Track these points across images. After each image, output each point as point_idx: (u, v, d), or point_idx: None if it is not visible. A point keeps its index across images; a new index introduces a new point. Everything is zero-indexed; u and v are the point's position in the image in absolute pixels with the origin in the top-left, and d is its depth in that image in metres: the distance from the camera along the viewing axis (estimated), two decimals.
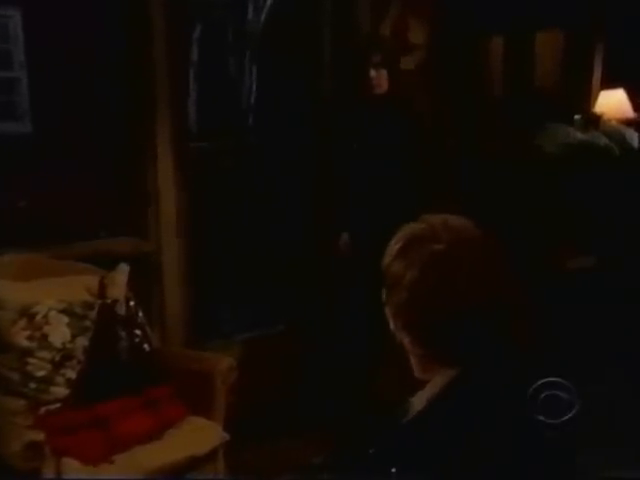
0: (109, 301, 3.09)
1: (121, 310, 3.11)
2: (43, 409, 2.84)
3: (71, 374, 2.93)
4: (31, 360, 2.84)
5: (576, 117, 5.45)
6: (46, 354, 2.88)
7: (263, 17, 4.56)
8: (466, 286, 1.38)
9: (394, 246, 1.45)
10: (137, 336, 3.13)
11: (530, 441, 1.36)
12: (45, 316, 2.92)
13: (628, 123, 5.64)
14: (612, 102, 5.68)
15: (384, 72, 4.01)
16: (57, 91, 3.41)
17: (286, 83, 4.48)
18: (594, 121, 5.54)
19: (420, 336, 1.44)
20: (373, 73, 4.01)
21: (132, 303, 3.16)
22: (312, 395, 3.93)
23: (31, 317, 2.90)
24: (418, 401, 1.49)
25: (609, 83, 5.70)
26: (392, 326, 1.48)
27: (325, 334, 4.18)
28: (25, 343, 2.85)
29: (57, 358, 2.89)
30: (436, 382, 1.45)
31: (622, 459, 3.16)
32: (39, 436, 2.65)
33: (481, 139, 5.01)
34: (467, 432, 1.34)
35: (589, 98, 5.79)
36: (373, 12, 4.32)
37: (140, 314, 3.19)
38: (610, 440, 3.37)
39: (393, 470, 1.42)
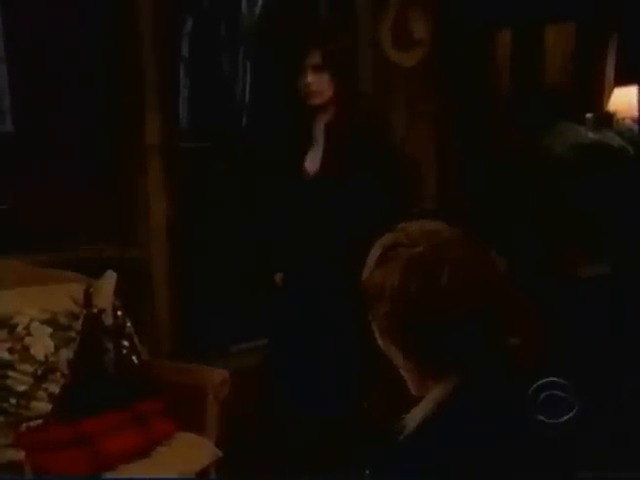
0: (95, 311, 3.06)
1: (108, 320, 3.08)
2: (24, 426, 2.80)
3: (54, 388, 2.89)
4: (11, 374, 2.81)
5: (588, 116, 5.44)
6: (27, 367, 2.84)
7: (258, 11, 4.54)
8: (449, 289, 1.40)
9: (372, 257, 1.48)
10: (125, 347, 3.11)
11: (529, 445, 1.38)
12: (27, 327, 2.89)
13: None
14: (626, 100, 5.68)
15: (325, 77, 3.35)
16: (40, 88, 3.39)
17: (282, 81, 4.45)
18: (607, 120, 5.53)
19: (409, 348, 1.46)
20: (311, 78, 3.34)
21: (119, 313, 3.14)
22: (306, 411, 3.88)
23: (12, 328, 2.87)
24: (413, 418, 1.48)
25: (623, 80, 5.70)
26: (381, 343, 1.50)
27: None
28: (5, 356, 2.82)
29: (39, 371, 2.86)
30: (430, 398, 1.46)
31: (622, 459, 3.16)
32: (19, 455, 2.62)
33: (488, 139, 5.00)
34: (464, 447, 1.34)
35: (602, 96, 5.78)
36: (373, 4, 4.30)
37: (128, 324, 3.17)
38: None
39: (367, 472, 1.47)
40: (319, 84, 3.33)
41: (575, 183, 4.91)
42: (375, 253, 1.48)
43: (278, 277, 3.67)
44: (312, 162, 3.48)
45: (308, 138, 3.49)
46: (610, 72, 5.82)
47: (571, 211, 4.90)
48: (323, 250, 3.45)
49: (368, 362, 3.09)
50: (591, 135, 5.27)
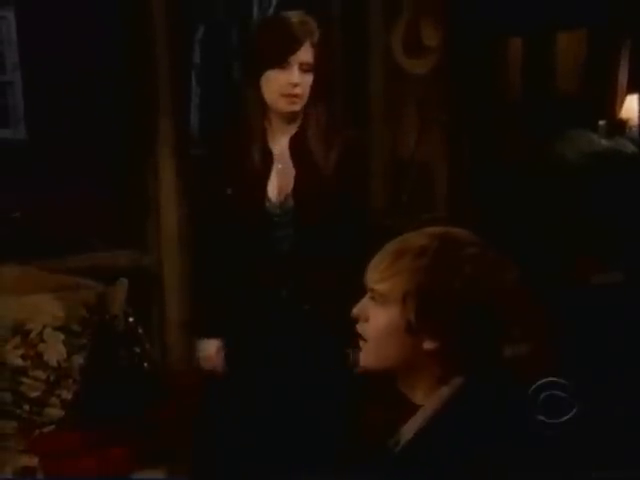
0: (107, 317, 3.09)
1: (120, 327, 3.11)
2: (37, 432, 2.84)
3: (66, 395, 2.92)
4: (25, 380, 2.85)
5: (600, 123, 5.44)
6: (40, 373, 2.88)
7: None
8: (468, 286, 1.42)
9: (429, 245, 1.46)
10: (136, 354, 3.13)
11: (529, 445, 1.39)
12: (40, 333, 2.92)
13: None
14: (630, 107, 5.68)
15: (310, 79, 2.63)
16: (53, 96, 3.43)
17: None
18: (620, 127, 5.53)
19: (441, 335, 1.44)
20: (299, 78, 2.59)
21: (131, 319, 3.16)
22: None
23: (25, 334, 2.90)
24: (409, 429, 1.49)
25: (636, 86, 5.70)
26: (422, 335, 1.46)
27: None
28: (18, 362, 2.85)
29: (52, 378, 2.89)
30: (429, 406, 1.47)
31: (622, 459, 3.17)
32: (32, 461, 2.65)
33: (499, 145, 5.01)
34: (465, 447, 1.35)
35: (614, 102, 5.78)
36: (385, 11, 4.32)
37: (140, 331, 3.19)
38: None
39: None
40: (305, 87, 2.62)
41: (587, 190, 4.92)
42: (429, 245, 1.47)
43: (213, 347, 2.88)
44: (278, 188, 2.71)
45: (267, 155, 2.72)
46: (623, 78, 5.82)
47: (583, 218, 4.90)
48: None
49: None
50: (604, 142, 5.27)
